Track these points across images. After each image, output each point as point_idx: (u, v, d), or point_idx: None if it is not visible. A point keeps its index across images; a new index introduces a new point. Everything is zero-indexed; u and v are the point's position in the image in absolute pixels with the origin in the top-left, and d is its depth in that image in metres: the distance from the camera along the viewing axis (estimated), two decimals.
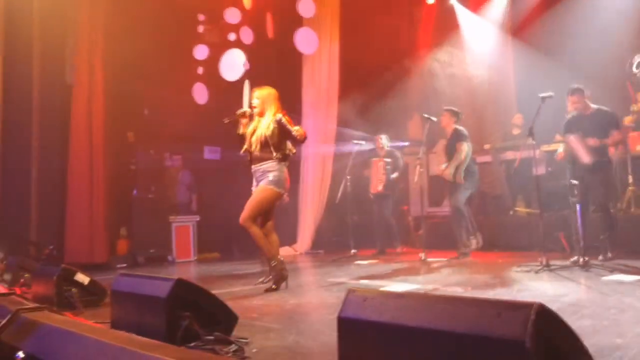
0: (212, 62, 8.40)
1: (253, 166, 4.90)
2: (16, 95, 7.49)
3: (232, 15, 8.01)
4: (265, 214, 4.91)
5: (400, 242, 8.14)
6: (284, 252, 8.94)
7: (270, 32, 8.15)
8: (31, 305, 3.66)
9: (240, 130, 4.98)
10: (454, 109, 7.21)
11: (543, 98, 5.48)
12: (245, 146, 4.94)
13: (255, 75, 8.23)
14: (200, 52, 8.20)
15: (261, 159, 4.82)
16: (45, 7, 7.56)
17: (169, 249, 8.70)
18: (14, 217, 7.42)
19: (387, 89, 9.78)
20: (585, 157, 5.62)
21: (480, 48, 9.58)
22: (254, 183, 4.94)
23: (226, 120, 4.97)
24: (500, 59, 9.49)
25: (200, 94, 8.24)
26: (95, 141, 7.86)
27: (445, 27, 10.17)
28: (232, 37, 8.18)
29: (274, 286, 4.84)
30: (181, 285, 2.93)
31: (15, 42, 7.43)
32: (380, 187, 7.95)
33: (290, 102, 9.24)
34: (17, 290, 4.88)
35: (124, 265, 8.06)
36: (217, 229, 8.92)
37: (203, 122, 8.49)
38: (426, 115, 6.92)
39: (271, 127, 4.77)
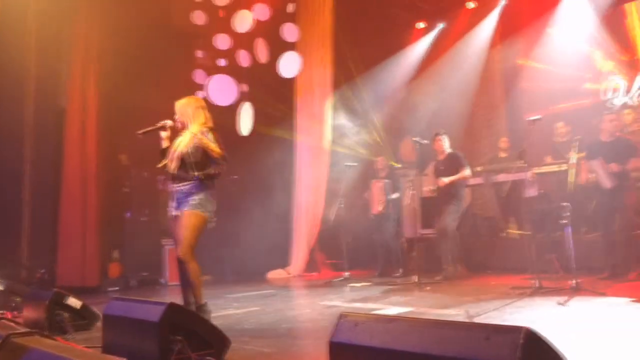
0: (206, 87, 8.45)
1: (173, 185, 4.28)
2: (9, 118, 7.52)
3: (223, 41, 8.09)
4: None
5: (400, 265, 7.93)
6: (277, 274, 8.94)
7: (262, 57, 8.22)
8: (22, 329, 3.64)
9: (163, 145, 4.38)
10: (444, 131, 7.33)
11: (531, 121, 5.55)
12: (163, 161, 4.33)
13: (251, 99, 8.31)
14: (200, 76, 8.25)
15: (181, 179, 4.22)
16: (41, 31, 7.64)
17: (161, 272, 8.65)
18: (5, 240, 7.38)
19: (379, 110, 9.89)
20: (607, 182, 5.86)
21: (470, 70, 9.73)
22: (173, 204, 4.29)
23: (140, 133, 4.34)
24: (490, 81, 9.66)
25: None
26: (88, 164, 7.86)
27: (437, 50, 10.35)
28: (223, 62, 8.25)
29: None
30: (173, 309, 2.94)
31: (10, 65, 7.47)
32: (380, 208, 7.91)
33: (285, 124, 9.36)
34: (8, 315, 4.85)
35: (116, 288, 8.00)
36: (208, 251, 8.87)
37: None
38: (416, 139, 6.97)
39: (191, 143, 4.19)
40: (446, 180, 7.00)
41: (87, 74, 7.96)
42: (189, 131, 4.28)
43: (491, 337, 1.61)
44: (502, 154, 8.41)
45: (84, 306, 4.44)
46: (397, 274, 7.75)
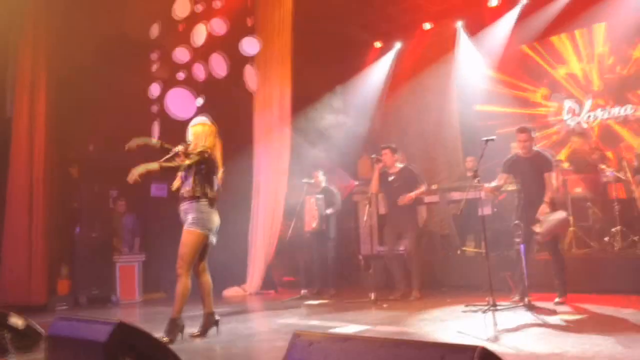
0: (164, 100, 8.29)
1: (180, 204, 4.62)
2: None
3: (181, 54, 7.97)
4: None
5: (333, 283, 7.82)
6: (233, 292, 8.79)
7: (220, 71, 8.13)
8: None
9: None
10: (393, 145, 7.10)
11: (486, 141, 5.64)
12: (175, 183, 4.64)
13: (208, 113, 8.17)
14: (155, 90, 8.08)
15: (182, 198, 4.54)
16: None
17: (112, 289, 8.38)
18: None
19: (337, 127, 9.93)
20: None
21: (428, 89, 9.94)
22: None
23: (161, 162, 4.48)
24: (446, 101, 9.86)
25: (155, 131, 8.10)
26: (35, 176, 7.56)
27: (394, 70, 10.52)
28: (181, 75, 8.11)
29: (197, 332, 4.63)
30: (122, 328, 2.82)
31: None
32: (314, 224, 7.71)
33: (242, 138, 9.27)
34: None
35: (65, 306, 7.71)
36: (163, 268, 8.67)
37: (151, 159, 8.33)
38: (374, 156, 6.98)
39: (188, 163, 4.47)
40: (412, 195, 6.70)
41: (35, 83, 7.68)
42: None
43: (446, 356, 1.59)
44: (469, 173, 8.51)
45: (27, 325, 4.23)
46: (331, 293, 7.65)
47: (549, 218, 5.45)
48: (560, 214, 5.54)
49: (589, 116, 8.74)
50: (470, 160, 8.65)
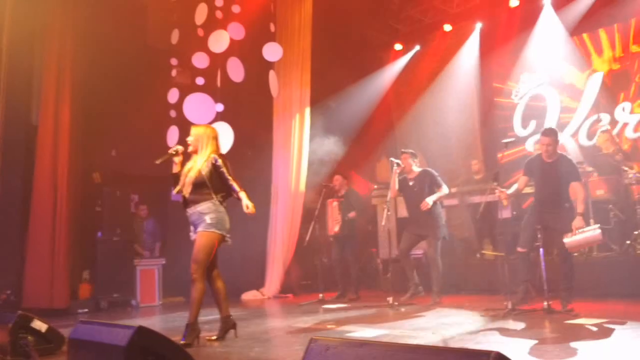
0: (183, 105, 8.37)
1: (188, 210, 4.57)
2: None
3: (200, 60, 8.02)
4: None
5: (358, 286, 7.90)
6: (251, 296, 8.84)
7: (239, 76, 8.17)
8: None
9: (175, 170, 4.69)
10: (411, 150, 7.13)
11: (506, 143, 5.60)
12: (178, 187, 4.63)
13: (228, 118, 8.24)
14: (173, 95, 8.15)
15: (195, 201, 4.51)
16: (13, 46, 7.49)
17: (133, 293, 8.47)
18: None
19: (356, 131, 9.94)
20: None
21: (448, 91, 9.90)
22: (191, 229, 4.61)
23: (158, 161, 4.66)
24: (466, 104, 9.81)
25: (172, 136, 8.18)
26: (59, 182, 7.67)
27: (414, 72, 10.50)
28: (200, 81, 8.15)
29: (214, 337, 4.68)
30: (142, 333, 2.86)
31: None
32: (336, 228, 7.74)
33: (261, 144, 9.33)
34: None
35: (86, 310, 7.81)
36: (182, 272, 8.74)
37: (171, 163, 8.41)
38: (393, 160, 6.96)
39: (206, 167, 4.51)
40: (430, 201, 6.63)
41: (60, 92, 7.80)
42: (200, 157, 4.59)
43: None
44: (476, 176, 8.50)
45: (49, 329, 4.30)
46: (354, 297, 7.70)
47: (582, 234, 5.21)
48: (595, 232, 5.22)
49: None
50: (475, 164, 8.60)
